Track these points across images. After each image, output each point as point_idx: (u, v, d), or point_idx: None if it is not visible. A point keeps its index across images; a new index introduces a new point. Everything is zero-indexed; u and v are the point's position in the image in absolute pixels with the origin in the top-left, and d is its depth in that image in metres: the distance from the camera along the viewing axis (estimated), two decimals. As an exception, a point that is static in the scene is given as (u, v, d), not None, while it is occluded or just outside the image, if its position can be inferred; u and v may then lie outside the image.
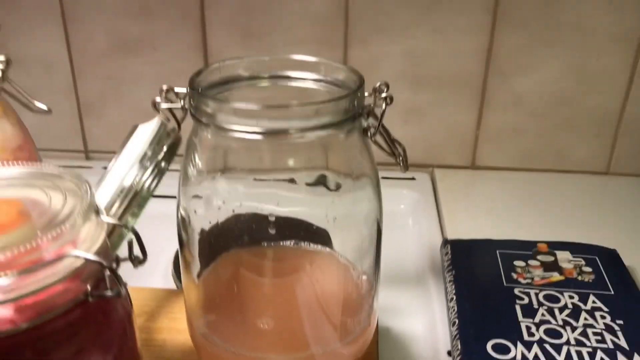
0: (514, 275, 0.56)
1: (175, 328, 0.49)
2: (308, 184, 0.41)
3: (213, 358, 0.43)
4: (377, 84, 0.40)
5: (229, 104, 0.37)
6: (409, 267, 0.64)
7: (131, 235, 0.35)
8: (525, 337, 0.49)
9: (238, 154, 0.39)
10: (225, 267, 0.44)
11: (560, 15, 0.72)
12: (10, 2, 0.76)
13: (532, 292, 0.54)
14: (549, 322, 0.50)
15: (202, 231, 0.42)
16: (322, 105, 0.37)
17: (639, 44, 0.73)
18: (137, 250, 0.34)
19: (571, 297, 0.53)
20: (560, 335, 0.49)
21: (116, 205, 0.40)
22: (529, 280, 0.55)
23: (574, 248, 0.60)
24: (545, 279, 0.56)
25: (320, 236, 0.44)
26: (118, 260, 0.33)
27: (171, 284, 0.61)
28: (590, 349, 0.48)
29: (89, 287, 0.31)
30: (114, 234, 0.37)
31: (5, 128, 0.45)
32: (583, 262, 0.58)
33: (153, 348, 0.47)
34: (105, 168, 0.42)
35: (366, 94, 0.40)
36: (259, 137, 0.36)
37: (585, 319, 0.51)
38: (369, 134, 0.40)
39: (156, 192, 0.44)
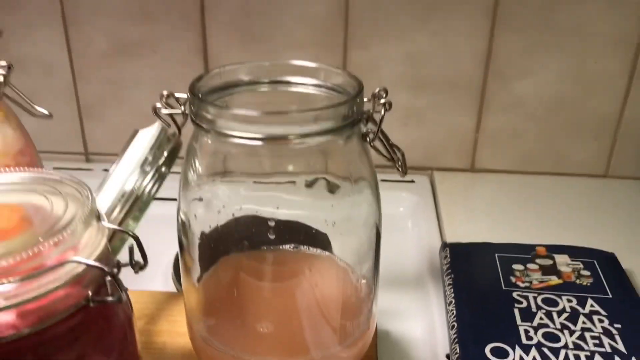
0: (513, 279, 0.56)
1: (175, 331, 0.49)
2: (307, 187, 0.41)
3: (213, 362, 0.44)
4: (376, 90, 0.40)
5: (229, 110, 0.38)
6: (408, 270, 0.64)
7: (132, 240, 0.35)
8: (524, 340, 0.49)
9: (238, 159, 0.40)
10: (225, 271, 0.44)
11: (559, 18, 0.72)
12: (12, 5, 0.76)
13: (531, 296, 0.54)
14: (547, 325, 0.51)
15: (202, 235, 0.42)
16: (322, 112, 0.37)
17: (638, 47, 0.73)
18: (137, 256, 0.34)
19: (569, 301, 0.53)
20: (558, 339, 0.49)
21: (117, 209, 0.40)
22: (528, 284, 0.56)
23: (573, 251, 0.60)
24: (544, 282, 0.56)
25: (320, 240, 0.44)
26: (119, 266, 0.34)
27: (171, 287, 0.61)
28: (588, 353, 0.48)
29: (90, 293, 0.32)
30: (114, 239, 0.38)
31: (7, 132, 0.46)
32: (581, 266, 0.58)
33: (153, 351, 0.47)
34: (105, 170, 0.42)
35: (365, 99, 0.40)
36: (258, 142, 0.36)
37: (584, 322, 0.51)
38: (368, 139, 0.40)
39: (156, 195, 0.44)
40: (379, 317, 0.52)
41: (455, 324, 0.51)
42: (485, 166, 0.82)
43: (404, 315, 0.56)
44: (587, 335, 0.50)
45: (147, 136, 0.42)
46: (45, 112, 0.47)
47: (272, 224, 0.42)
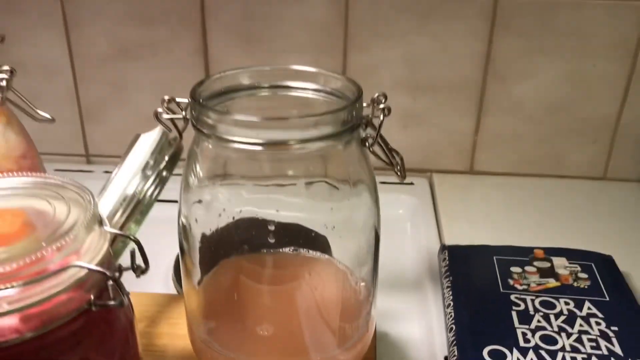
0: (511, 282, 0.57)
1: (175, 333, 0.49)
2: (307, 191, 0.41)
3: (213, 364, 0.44)
4: (376, 95, 0.40)
5: (230, 115, 0.38)
6: (407, 273, 0.64)
7: (133, 245, 0.35)
8: (521, 343, 0.49)
9: (238, 163, 0.40)
10: (225, 274, 0.45)
11: (558, 22, 0.73)
12: (13, 9, 0.76)
13: (529, 299, 0.54)
14: (544, 328, 0.51)
15: (203, 239, 0.42)
16: (322, 117, 0.37)
17: (636, 51, 0.74)
18: (139, 260, 0.35)
19: (567, 304, 0.54)
20: (555, 342, 0.50)
21: (119, 213, 0.41)
22: (526, 287, 0.56)
23: (570, 254, 0.61)
24: (542, 285, 0.56)
25: (320, 243, 0.44)
26: (121, 270, 0.34)
27: (171, 289, 0.61)
28: (585, 355, 0.48)
29: (92, 297, 0.32)
30: (116, 242, 0.38)
31: (10, 137, 0.46)
32: (579, 269, 0.59)
33: (154, 354, 0.48)
34: (106, 172, 0.43)
35: (364, 104, 0.40)
36: (259, 148, 0.37)
37: (581, 325, 0.51)
38: (367, 144, 0.41)
39: (157, 199, 0.44)
40: (378, 319, 0.53)
41: (454, 327, 0.52)
42: (484, 168, 0.82)
43: (402, 317, 0.57)
44: (584, 337, 0.50)
45: (148, 141, 0.43)
46: (48, 116, 0.47)
47: (272, 227, 0.42)
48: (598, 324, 0.52)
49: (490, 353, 0.49)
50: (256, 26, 0.76)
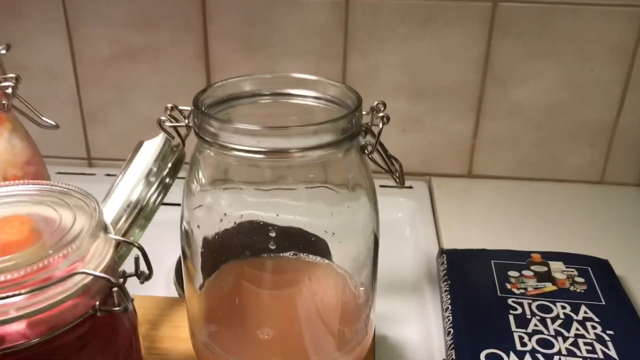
0: (508, 286, 0.58)
1: (177, 337, 0.50)
2: (307, 197, 0.42)
3: (215, 367, 0.45)
4: (375, 103, 0.41)
5: (232, 124, 0.39)
6: (405, 276, 0.65)
7: (137, 251, 0.36)
8: (518, 347, 0.50)
9: (240, 170, 0.41)
10: (226, 279, 0.46)
11: (556, 26, 0.74)
12: (16, 13, 0.77)
13: (526, 302, 0.55)
14: (541, 332, 0.52)
15: (205, 243, 0.43)
16: (322, 126, 0.38)
17: (633, 55, 0.74)
18: (143, 266, 0.36)
19: (563, 308, 0.55)
20: (552, 346, 0.50)
21: (123, 219, 0.41)
22: (523, 291, 0.57)
23: (567, 258, 0.61)
24: (539, 289, 0.57)
25: (320, 247, 0.45)
26: (125, 276, 0.35)
27: (173, 292, 0.62)
28: (580, 359, 0.49)
29: (97, 303, 0.33)
30: (120, 248, 0.39)
31: (15, 143, 0.47)
32: (576, 273, 0.59)
33: (156, 357, 0.48)
34: (108, 175, 0.44)
35: (364, 112, 0.41)
36: (260, 156, 0.38)
37: (577, 329, 0.52)
38: (366, 151, 0.41)
39: (160, 205, 0.45)
40: (377, 323, 0.53)
41: (452, 330, 0.53)
42: (482, 172, 0.83)
43: (401, 320, 0.58)
44: (580, 341, 0.51)
45: (151, 148, 0.43)
46: (52, 123, 0.48)
47: (272, 232, 0.43)
48: (594, 328, 0.52)
49: (487, 356, 0.49)
50: (257, 31, 0.76)
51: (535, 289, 0.57)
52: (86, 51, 0.79)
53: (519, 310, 0.54)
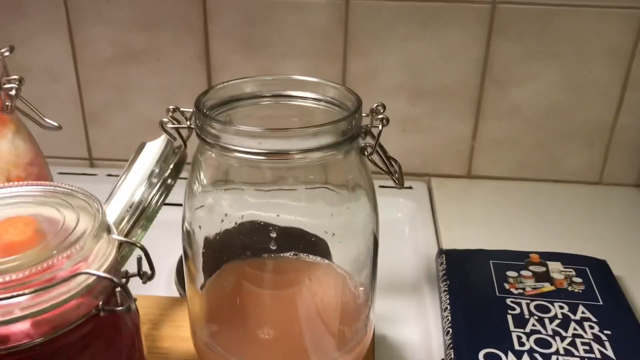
0: (507, 286, 0.58)
1: (179, 336, 0.50)
2: (308, 197, 0.42)
3: (216, 366, 0.45)
4: (374, 105, 0.42)
5: (233, 126, 0.39)
6: (405, 276, 0.65)
7: (140, 251, 0.36)
8: (516, 346, 0.51)
9: (241, 171, 0.41)
10: (227, 279, 0.46)
11: (554, 28, 0.74)
12: (18, 14, 0.78)
13: (524, 303, 0.56)
14: (539, 332, 0.52)
15: (206, 244, 0.43)
16: (322, 128, 0.38)
17: (631, 57, 0.75)
18: (145, 266, 0.36)
19: (561, 308, 0.55)
20: (549, 345, 0.51)
21: (125, 220, 0.42)
22: (521, 291, 0.57)
23: (565, 259, 0.62)
24: (537, 289, 0.58)
25: (320, 247, 0.45)
26: (127, 276, 0.35)
27: (174, 292, 0.62)
28: (578, 359, 0.49)
29: (100, 303, 0.33)
30: (123, 248, 0.39)
31: (19, 145, 0.47)
32: (573, 273, 0.60)
33: (158, 356, 0.49)
34: (109, 175, 0.44)
35: (363, 114, 0.41)
36: (261, 157, 0.38)
37: (575, 329, 0.53)
38: (366, 152, 0.42)
39: (162, 205, 0.46)
40: (376, 322, 0.54)
41: (450, 330, 0.53)
42: (481, 173, 0.83)
43: (400, 320, 0.58)
44: (578, 341, 0.51)
45: (153, 149, 0.44)
46: (55, 124, 0.48)
47: (273, 232, 0.43)
48: (592, 327, 0.53)
49: (486, 356, 0.50)
50: (257, 32, 0.77)
51: (534, 289, 0.58)
52: (87, 52, 0.79)
53: (517, 310, 0.55)
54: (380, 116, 0.41)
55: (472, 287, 0.58)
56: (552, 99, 0.78)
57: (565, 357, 0.50)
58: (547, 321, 0.53)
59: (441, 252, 0.64)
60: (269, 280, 0.46)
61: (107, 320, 0.34)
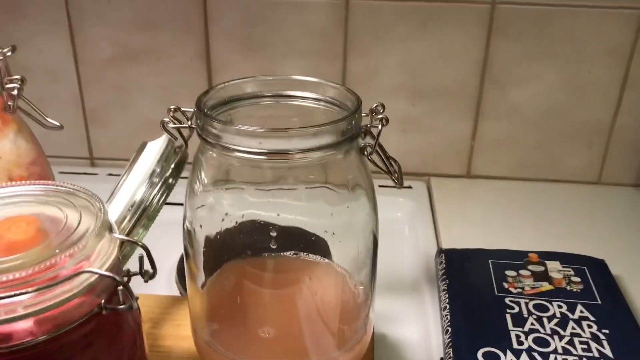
0: (505, 285, 0.58)
1: (180, 335, 0.51)
2: (308, 197, 0.43)
3: (216, 365, 0.46)
4: (374, 105, 0.42)
5: (233, 126, 0.39)
6: (404, 275, 0.66)
7: (141, 250, 0.37)
8: (515, 345, 0.51)
9: (242, 171, 0.41)
10: (228, 278, 0.46)
11: (554, 28, 0.74)
12: (19, 14, 0.78)
13: (523, 302, 0.56)
14: (537, 331, 0.53)
15: (207, 243, 0.44)
16: (322, 128, 0.39)
17: (630, 57, 0.75)
18: (147, 265, 0.36)
19: (560, 307, 0.55)
20: (548, 344, 0.51)
21: (127, 219, 0.42)
22: (520, 290, 0.58)
23: (564, 258, 0.62)
24: (536, 288, 0.58)
25: (320, 247, 0.46)
26: (129, 275, 0.35)
27: (174, 290, 0.62)
28: (576, 358, 0.50)
29: (102, 301, 0.33)
30: (124, 247, 0.40)
31: (21, 144, 0.47)
32: (572, 272, 0.60)
33: (159, 355, 0.49)
34: (110, 175, 0.44)
35: (363, 114, 0.42)
36: (262, 157, 0.38)
37: (573, 328, 0.53)
38: (365, 152, 0.42)
39: (164, 205, 0.46)
40: (376, 321, 0.54)
41: (450, 329, 0.53)
42: (481, 172, 0.84)
43: (400, 319, 0.58)
44: (576, 340, 0.51)
45: (155, 148, 0.44)
46: (57, 123, 0.49)
47: (273, 232, 0.44)
48: (590, 326, 0.53)
49: (484, 355, 0.50)
50: (257, 32, 0.77)
51: (532, 288, 0.58)
52: (88, 52, 0.80)
53: (516, 309, 0.55)
54: (379, 116, 0.41)
55: (471, 287, 0.59)
56: (551, 99, 0.78)
57: (564, 356, 0.50)
58: (545, 320, 0.54)
59: (440, 251, 0.65)
60: (269, 279, 0.47)
61: (109, 318, 0.34)
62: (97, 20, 0.78)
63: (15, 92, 0.45)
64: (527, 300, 0.56)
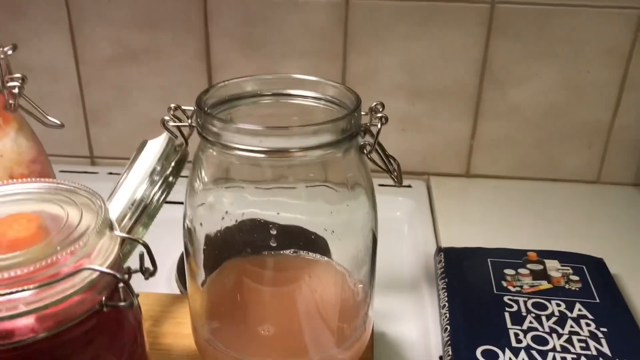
0: (504, 284, 0.59)
1: (180, 333, 0.51)
2: (307, 195, 0.43)
3: (216, 362, 0.46)
4: (374, 104, 0.42)
5: (234, 124, 0.39)
6: (404, 274, 0.66)
7: (142, 248, 0.37)
8: (513, 343, 0.51)
9: (242, 169, 0.42)
10: (228, 276, 0.46)
11: (553, 28, 0.74)
12: (19, 14, 0.78)
13: (521, 300, 0.56)
14: (536, 329, 0.53)
15: (207, 241, 0.44)
16: (321, 126, 0.39)
17: (629, 57, 0.75)
18: (147, 263, 0.36)
19: (558, 305, 0.56)
20: (546, 342, 0.51)
21: (127, 217, 0.42)
22: (519, 288, 0.58)
23: (563, 257, 0.62)
24: (534, 287, 0.58)
25: (319, 245, 0.46)
26: (130, 272, 0.36)
27: (174, 289, 0.63)
28: (574, 356, 0.50)
29: (103, 298, 0.34)
30: (125, 245, 0.40)
31: (21, 143, 0.48)
32: (571, 271, 0.60)
33: (160, 352, 0.49)
34: (110, 174, 0.44)
35: (363, 112, 0.42)
36: (261, 155, 0.38)
37: (571, 326, 0.53)
38: (365, 151, 0.42)
39: (164, 203, 0.46)
40: (375, 319, 0.54)
41: (448, 327, 0.54)
42: (480, 172, 0.84)
43: (399, 317, 0.58)
44: (574, 338, 0.52)
45: (155, 147, 0.44)
46: (58, 122, 0.49)
47: (273, 230, 0.44)
48: (588, 325, 0.53)
49: (483, 353, 0.50)
50: (257, 31, 0.77)
51: (531, 286, 0.58)
52: (88, 52, 0.80)
53: (515, 308, 0.55)
54: (379, 114, 0.42)
55: (470, 285, 0.59)
56: (550, 98, 0.78)
57: (562, 354, 0.50)
58: (544, 318, 0.54)
59: (440, 250, 0.65)
60: (269, 278, 0.47)
61: (110, 315, 0.34)
62: (98, 20, 0.78)
63: (16, 90, 0.46)
64: (526, 299, 0.56)
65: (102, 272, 0.33)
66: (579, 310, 0.55)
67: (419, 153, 0.83)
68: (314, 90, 0.45)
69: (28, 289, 0.30)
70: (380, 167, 0.43)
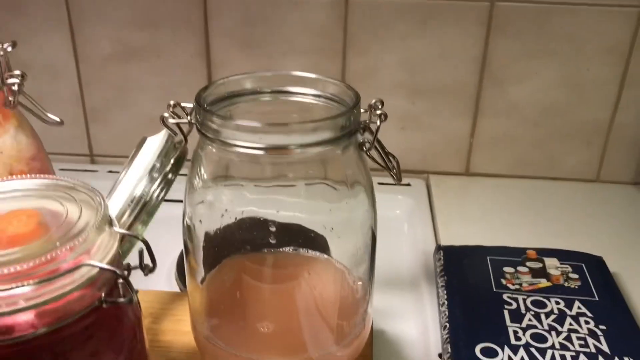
0: (503, 281, 0.59)
1: (179, 330, 0.51)
2: (307, 193, 0.43)
3: None
4: (373, 101, 0.42)
5: (233, 121, 0.40)
6: (403, 272, 0.66)
7: (141, 244, 0.37)
8: (512, 341, 0.51)
9: (241, 166, 0.42)
10: (228, 273, 0.46)
11: (553, 26, 0.74)
12: (19, 12, 0.78)
13: (520, 298, 0.56)
14: (535, 326, 0.53)
15: (207, 238, 0.44)
16: (321, 123, 0.39)
17: (628, 55, 0.75)
18: (147, 259, 0.36)
19: (557, 303, 0.56)
20: (545, 340, 0.51)
21: (127, 214, 0.42)
22: (518, 286, 0.58)
23: (562, 255, 0.62)
24: (533, 285, 0.58)
25: (319, 243, 0.46)
26: (129, 269, 0.36)
27: (174, 286, 0.63)
28: (573, 353, 0.50)
29: (103, 294, 0.34)
30: (124, 242, 0.40)
31: (21, 139, 0.48)
32: (570, 269, 0.60)
33: (159, 349, 0.49)
34: (110, 172, 0.44)
35: (362, 110, 0.42)
36: (261, 152, 0.39)
37: (570, 324, 0.53)
38: (364, 148, 0.42)
39: (163, 200, 0.46)
40: (375, 317, 0.54)
41: (448, 325, 0.54)
42: (479, 170, 0.84)
43: (398, 315, 0.58)
44: (573, 336, 0.52)
45: (154, 144, 0.44)
46: (57, 119, 0.49)
47: (272, 227, 0.44)
48: (587, 322, 0.53)
49: (482, 350, 0.50)
50: (257, 30, 0.77)
51: (530, 284, 0.58)
52: (88, 50, 0.80)
53: (514, 306, 0.55)
54: (378, 112, 0.42)
55: (470, 283, 0.59)
56: (550, 97, 0.78)
57: (561, 352, 0.50)
58: (543, 316, 0.54)
59: (439, 248, 0.65)
60: (269, 275, 0.47)
61: (110, 311, 0.34)
62: (98, 19, 0.78)
63: (15, 87, 0.46)
64: (525, 297, 0.56)
65: (101, 268, 0.33)
66: (578, 308, 0.55)
67: (419, 151, 0.83)
68: (314, 88, 0.45)
69: (28, 285, 0.31)
70: (379, 164, 0.43)
